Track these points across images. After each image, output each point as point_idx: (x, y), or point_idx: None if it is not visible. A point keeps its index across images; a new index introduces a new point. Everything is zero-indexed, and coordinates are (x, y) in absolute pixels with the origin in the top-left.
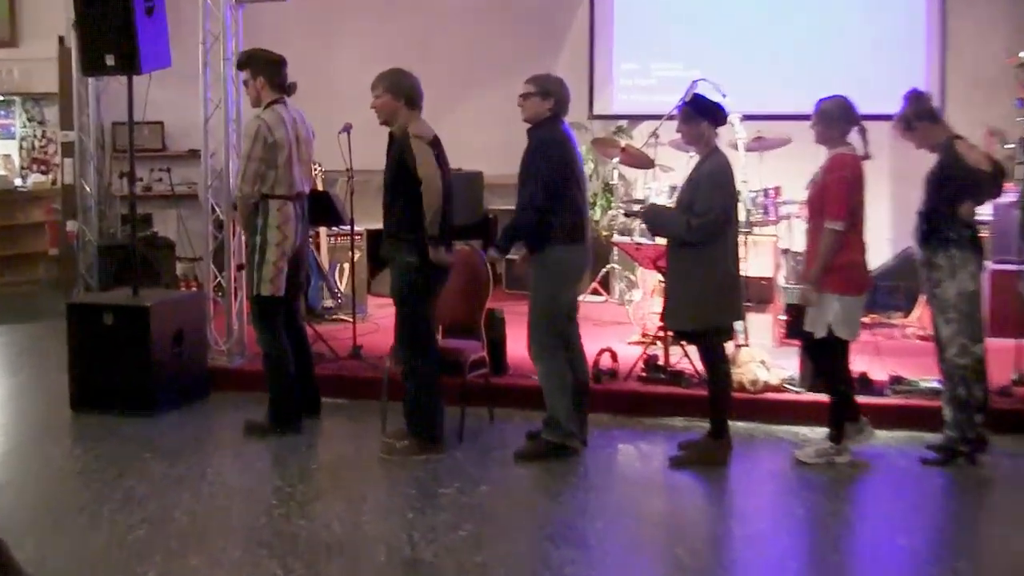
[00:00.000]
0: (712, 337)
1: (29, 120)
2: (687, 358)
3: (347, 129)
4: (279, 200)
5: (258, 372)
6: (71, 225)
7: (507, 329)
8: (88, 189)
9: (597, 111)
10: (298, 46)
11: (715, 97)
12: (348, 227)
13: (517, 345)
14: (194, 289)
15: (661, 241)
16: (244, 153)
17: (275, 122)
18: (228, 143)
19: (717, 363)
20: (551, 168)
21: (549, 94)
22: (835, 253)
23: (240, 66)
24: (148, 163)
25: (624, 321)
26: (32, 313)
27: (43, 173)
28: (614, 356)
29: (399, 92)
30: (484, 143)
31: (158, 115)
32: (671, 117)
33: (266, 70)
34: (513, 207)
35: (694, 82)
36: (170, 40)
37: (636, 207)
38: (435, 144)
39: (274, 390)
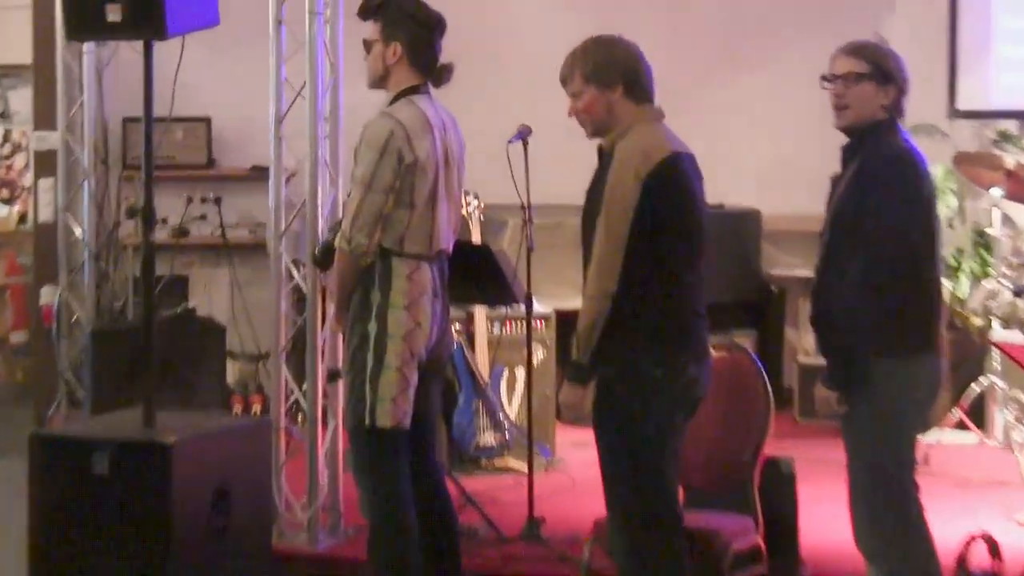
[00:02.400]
0: None
1: None
2: None
3: (523, 135)
4: (411, 261)
5: (361, 560)
6: (47, 294)
7: (799, 490)
8: (78, 233)
9: (963, 105)
10: None
11: None
12: (523, 306)
13: (818, 520)
14: (255, 412)
15: None
16: (361, 177)
17: (417, 127)
18: (318, 156)
19: None
20: (915, 211)
21: (889, 78)
22: None
23: (367, 13)
24: (184, 188)
25: (1012, 481)
26: None
27: (5, 202)
28: (993, 547)
29: (609, 76)
30: (761, 161)
31: (200, 108)
32: None
33: (410, 32)
34: (811, 273)
35: None
36: None
37: None
38: (667, 171)
39: None
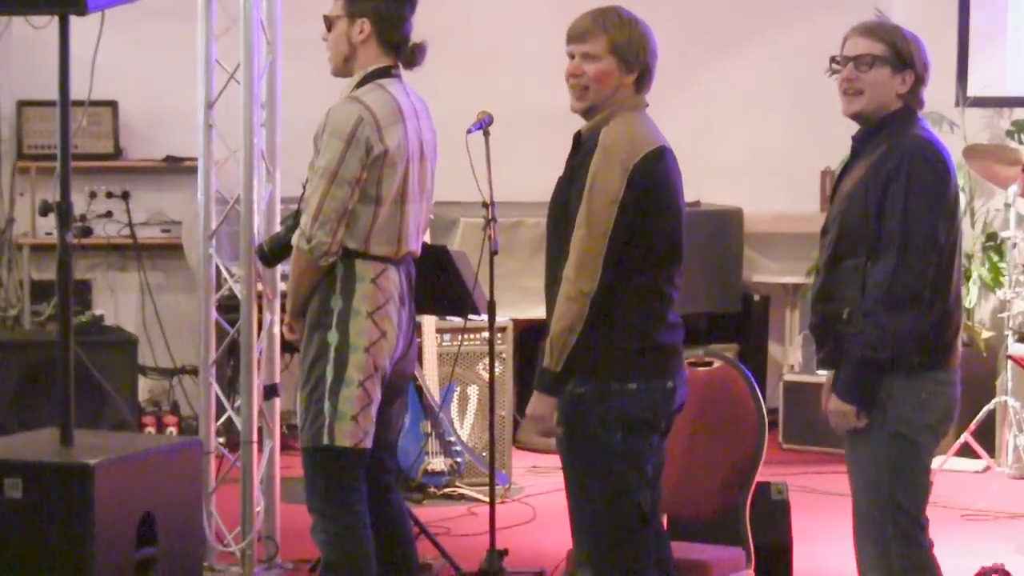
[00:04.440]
0: None
1: None
2: None
3: (484, 124)
4: (377, 263)
5: None
6: None
7: (794, 520)
8: None
9: (975, 91)
10: None
11: None
12: (482, 316)
13: (812, 553)
14: (169, 433)
15: None
16: (325, 167)
17: (388, 115)
18: (252, 145)
19: None
20: (944, 213)
21: (908, 64)
22: None
23: None
24: (86, 181)
25: None
26: None
27: None
28: None
29: (635, 59)
30: (744, 154)
31: (109, 90)
32: None
33: (379, 7)
34: (803, 279)
35: None
36: None
37: None
38: (653, 166)
39: None
